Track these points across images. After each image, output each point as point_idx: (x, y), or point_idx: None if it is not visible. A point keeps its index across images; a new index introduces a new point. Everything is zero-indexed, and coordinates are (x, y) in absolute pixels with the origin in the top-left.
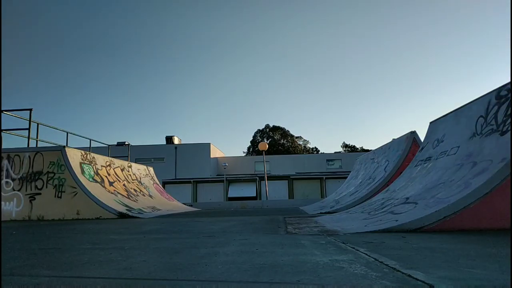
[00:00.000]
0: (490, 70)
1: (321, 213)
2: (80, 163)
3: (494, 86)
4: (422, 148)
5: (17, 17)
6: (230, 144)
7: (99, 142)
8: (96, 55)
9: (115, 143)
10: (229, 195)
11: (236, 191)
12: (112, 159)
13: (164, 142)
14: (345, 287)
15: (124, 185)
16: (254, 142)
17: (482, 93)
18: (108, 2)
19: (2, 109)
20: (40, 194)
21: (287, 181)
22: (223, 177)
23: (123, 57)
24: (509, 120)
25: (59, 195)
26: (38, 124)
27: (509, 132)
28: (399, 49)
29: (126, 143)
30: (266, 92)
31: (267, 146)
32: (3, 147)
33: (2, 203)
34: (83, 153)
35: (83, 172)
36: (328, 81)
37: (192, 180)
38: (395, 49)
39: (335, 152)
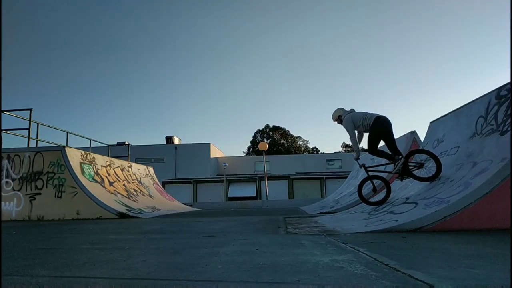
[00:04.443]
0: (490, 70)
1: (321, 213)
2: (80, 163)
3: (494, 86)
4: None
5: (18, 17)
6: (230, 144)
7: (99, 142)
8: (96, 55)
9: (115, 143)
10: (229, 195)
11: (236, 191)
12: (112, 159)
13: (164, 142)
14: (345, 287)
15: (124, 185)
16: (254, 142)
17: (482, 93)
18: (109, 1)
19: (2, 109)
20: (40, 194)
21: (287, 181)
22: (223, 177)
23: (123, 57)
24: (509, 120)
25: (59, 195)
26: (38, 124)
27: (509, 132)
28: (399, 49)
29: (126, 143)
30: (266, 92)
31: (267, 146)
32: (3, 147)
33: (2, 203)
34: (83, 153)
35: (83, 172)
36: (328, 81)
37: (192, 180)
38: (395, 49)
39: (335, 152)
